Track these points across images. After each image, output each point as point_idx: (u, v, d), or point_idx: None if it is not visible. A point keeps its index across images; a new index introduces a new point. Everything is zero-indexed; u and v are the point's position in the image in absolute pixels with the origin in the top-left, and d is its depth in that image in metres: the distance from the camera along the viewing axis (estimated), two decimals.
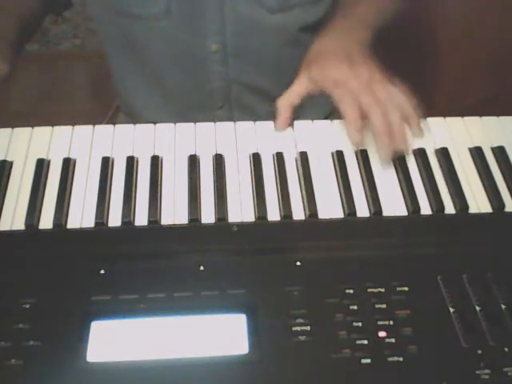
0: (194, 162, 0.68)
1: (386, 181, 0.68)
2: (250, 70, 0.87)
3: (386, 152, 0.68)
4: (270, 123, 0.73)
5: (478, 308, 0.56)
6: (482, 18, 1.10)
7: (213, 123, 0.73)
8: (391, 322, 0.55)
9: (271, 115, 0.75)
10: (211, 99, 0.89)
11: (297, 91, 0.73)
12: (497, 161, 0.71)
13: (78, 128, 0.72)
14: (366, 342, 0.54)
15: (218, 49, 0.83)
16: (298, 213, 0.64)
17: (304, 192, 0.66)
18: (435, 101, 1.18)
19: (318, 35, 0.79)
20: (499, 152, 0.71)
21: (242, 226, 0.63)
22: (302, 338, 0.54)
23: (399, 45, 1.06)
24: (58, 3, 0.93)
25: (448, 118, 0.75)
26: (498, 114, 0.75)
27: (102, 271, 0.58)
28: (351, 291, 0.57)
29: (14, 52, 0.76)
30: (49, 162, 0.68)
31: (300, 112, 0.94)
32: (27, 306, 0.55)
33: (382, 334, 0.54)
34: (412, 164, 0.70)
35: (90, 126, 0.72)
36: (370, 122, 0.68)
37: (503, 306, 0.56)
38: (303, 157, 0.69)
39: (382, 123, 0.67)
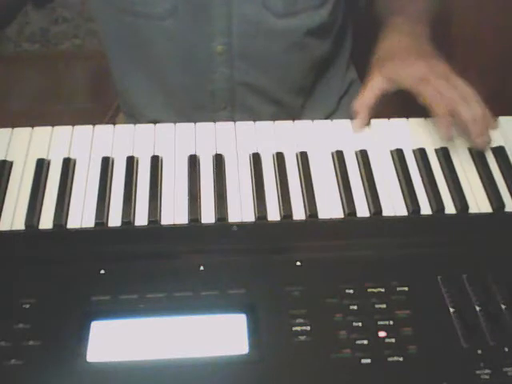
0: (193, 161, 0.68)
1: (386, 181, 0.68)
2: (254, 72, 0.87)
3: (483, 139, 0.69)
4: (270, 123, 0.73)
5: (478, 308, 0.56)
6: (483, 19, 1.10)
7: (213, 123, 0.73)
8: (391, 322, 0.55)
9: (274, 117, 0.75)
10: (214, 100, 0.89)
11: (373, 92, 0.74)
12: (497, 161, 0.71)
13: (78, 128, 0.72)
14: (366, 342, 0.54)
15: (223, 50, 0.83)
16: (298, 213, 0.64)
17: (304, 192, 0.66)
18: None
19: (381, 36, 0.80)
20: (499, 152, 0.71)
21: (242, 225, 0.63)
22: (302, 337, 0.54)
23: None
24: None
25: None
26: (498, 114, 0.75)
27: (102, 271, 0.58)
28: (351, 291, 0.57)
29: None
30: (49, 162, 0.68)
31: (300, 112, 0.94)
32: (27, 305, 0.55)
33: (381, 333, 0.54)
34: (412, 164, 0.70)
35: (90, 126, 0.72)
36: (460, 116, 0.68)
37: (503, 306, 0.56)
38: (303, 157, 0.69)
39: (472, 114, 0.68)
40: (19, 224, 0.62)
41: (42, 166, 0.67)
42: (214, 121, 0.73)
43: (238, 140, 0.71)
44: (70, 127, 0.72)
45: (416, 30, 0.80)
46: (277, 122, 0.73)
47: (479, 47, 1.12)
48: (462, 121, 0.69)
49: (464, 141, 0.72)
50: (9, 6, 0.86)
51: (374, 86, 0.74)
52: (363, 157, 0.69)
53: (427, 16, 0.83)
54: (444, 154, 0.70)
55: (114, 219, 0.63)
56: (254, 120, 0.73)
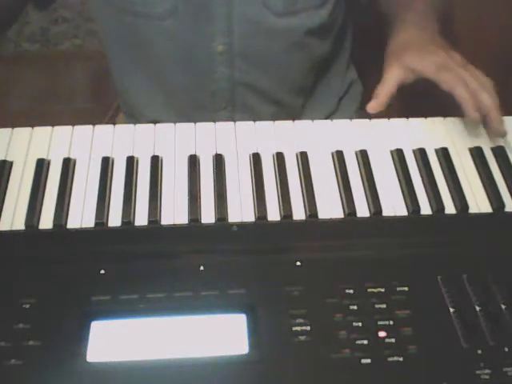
0: (193, 161, 0.68)
1: (386, 181, 0.68)
2: (254, 72, 0.87)
3: (501, 127, 0.71)
4: (270, 123, 0.73)
5: (478, 308, 0.56)
6: (484, 18, 1.10)
7: (213, 123, 0.73)
8: (391, 322, 0.55)
9: (274, 117, 0.75)
10: (214, 100, 0.89)
11: (393, 80, 0.74)
12: (497, 161, 0.71)
13: (78, 128, 0.72)
14: (366, 342, 0.54)
15: (223, 50, 0.83)
16: (298, 213, 0.64)
17: (304, 192, 0.66)
18: (436, 101, 1.18)
19: (394, 30, 0.81)
20: (499, 152, 0.71)
21: (242, 225, 0.63)
22: (302, 337, 0.54)
23: None
24: None
25: (448, 118, 0.75)
26: None
27: (102, 271, 0.58)
28: (351, 291, 0.57)
29: None
30: (49, 161, 0.68)
31: (300, 112, 0.94)
32: (27, 306, 0.55)
33: (381, 333, 0.54)
34: (412, 164, 0.70)
35: (90, 126, 0.72)
36: (481, 103, 0.70)
37: (503, 306, 0.56)
38: (303, 157, 0.69)
39: (493, 102, 0.70)
40: (19, 224, 0.62)
41: (42, 166, 0.67)
42: (214, 121, 0.73)
43: (238, 140, 0.71)
44: (70, 127, 0.72)
45: (427, 24, 0.81)
46: (277, 122, 0.73)
47: (480, 47, 1.12)
48: (483, 108, 0.70)
49: (464, 141, 0.72)
50: (10, 9, 0.86)
51: (395, 75, 0.74)
52: (363, 157, 0.69)
53: (434, 13, 0.84)
54: (444, 154, 0.70)
55: (114, 219, 0.63)
56: (254, 120, 0.73)
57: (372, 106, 0.73)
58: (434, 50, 0.75)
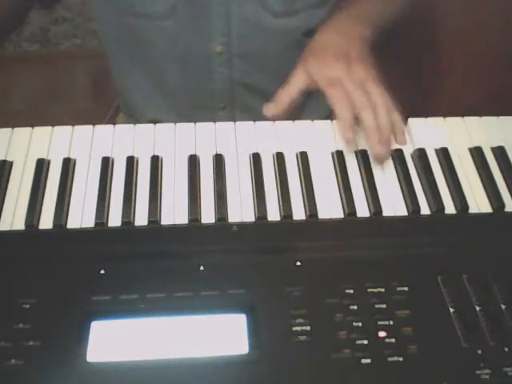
0: (193, 162, 0.68)
1: (386, 181, 0.68)
2: (253, 72, 0.87)
3: (378, 150, 0.68)
4: (270, 123, 0.73)
5: (478, 308, 0.56)
6: (484, 19, 1.10)
7: (213, 123, 0.73)
8: (391, 322, 0.55)
9: (273, 117, 0.75)
10: (213, 100, 0.89)
11: (295, 86, 0.73)
12: (497, 161, 0.70)
13: (78, 128, 0.72)
14: (366, 342, 0.54)
15: (222, 50, 0.83)
16: (298, 213, 0.64)
17: (304, 192, 0.66)
18: (436, 101, 1.18)
19: (320, 28, 0.79)
20: (499, 152, 0.71)
21: (242, 225, 0.63)
22: (302, 337, 0.54)
23: (400, 45, 1.06)
24: None
25: (448, 118, 0.75)
26: (498, 114, 0.75)
27: (102, 271, 0.58)
28: (351, 291, 0.57)
29: None
30: (49, 161, 0.68)
31: (300, 112, 0.94)
32: (27, 306, 0.55)
33: (381, 333, 0.54)
34: (412, 164, 0.70)
35: (90, 126, 0.72)
36: (362, 122, 0.68)
37: (503, 306, 0.56)
38: (303, 157, 0.69)
39: (374, 122, 0.68)
40: (19, 224, 0.62)
41: (42, 166, 0.67)
42: (214, 121, 0.73)
43: (238, 140, 0.71)
44: (70, 127, 0.72)
45: (354, 29, 0.78)
46: (277, 122, 0.73)
47: (479, 48, 1.12)
48: (363, 127, 0.69)
49: (464, 141, 0.72)
50: (18, 10, 0.86)
51: (298, 80, 0.73)
52: (363, 157, 0.69)
53: (373, 17, 0.82)
54: (444, 154, 0.70)
55: (114, 219, 0.63)
56: (254, 120, 0.73)
57: (267, 110, 0.72)
58: (333, 63, 0.72)
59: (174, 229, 0.63)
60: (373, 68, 0.72)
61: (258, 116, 0.73)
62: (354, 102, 0.69)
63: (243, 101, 0.90)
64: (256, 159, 0.69)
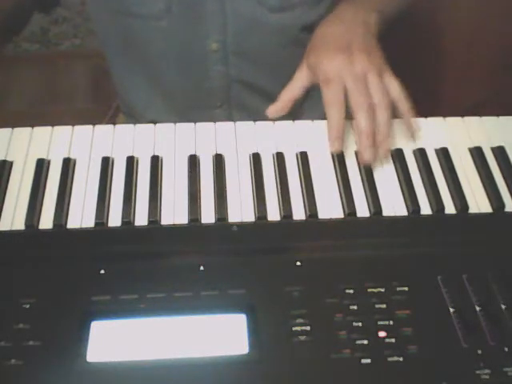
0: (194, 161, 0.68)
1: (386, 181, 0.68)
2: (249, 69, 0.86)
3: (366, 157, 0.66)
4: (270, 123, 0.73)
5: (478, 308, 0.56)
6: (484, 19, 1.10)
7: (213, 123, 0.73)
8: (391, 322, 0.55)
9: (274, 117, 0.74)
10: (210, 98, 0.89)
11: (299, 83, 0.72)
12: (497, 161, 0.70)
13: (78, 128, 0.72)
14: (366, 342, 0.54)
15: (218, 48, 0.83)
16: (298, 213, 0.64)
17: (304, 192, 0.66)
18: (436, 101, 1.18)
19: (322, 21, 0.77)
20: (499, 152, 0.71)
21: (242, 225, 0.63)
22: (302, 337, 0.54)
23: (400, 45, 1.06)
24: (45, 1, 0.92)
25: (448, 118, 0.75)
26: (498, 114, 0.75)
27: (102, 271, 0.58)
28: (351, 291, 0.57)
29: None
30: (49, 161, 0.68)
31: (300, 112, 0.94)
32: (27, 306, 0.55)
33: (381, 333, 0.54)
34: (412, 164, 0.70)
35: (90, 126, 0.72)
36: (356, 122, 0.67)
37: (503, 306, 0.56)
38: (303, 157, 0.69)
39: (367, 125, 0.66)
40: (19, 224, 0.62)
41: (42, 166, 0.67)
42: (212, 119, 0.73)
43: (238, 140, 0.71)
44: (70, 127, 0.72)
45: (356, 17, 0.74)
46: (277, 122, 0.73)
47: (479, 48, 1.12)
48: (356, 129, 0.67)
49: (464, 141, 0.72)
50: (24, 14, 0.86)
51: (301, 78, 0.72)
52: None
53: (377, 4, 0.79)
54: (444, 154, 0.70)
55: (114, 219, 0.63)
56: (251, 118, 0.73)
57: (271, 111, 0.70)
58: (334, 56, 0.68)
59: (174, 229, 0.63)
60: (378, 56, 0.70)
61: (255, 114, 0.73)
62: (350, 100, 0.66)
63: (240, 98, 0.90)
64: (256, 159, 0.69)
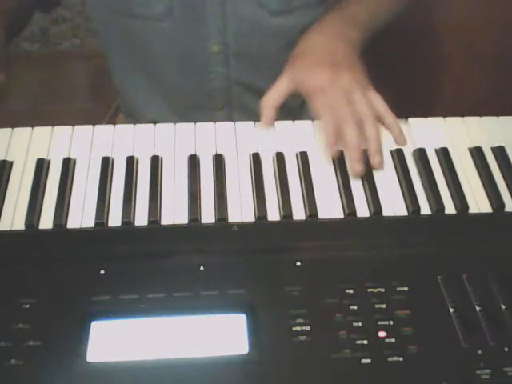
0: (194, 161, 0.68)
1: (386, 181, 0.68)
2: (250, 71, 0.87)
3: (356, 169, 0.67)
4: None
5: (478, 308, 0.56)
6: (484, 19, 1.10)
7: (213, 123, 0.73)
8: (391, 322, 0.55)
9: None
10: (211, 100, 0.89)
11: (279, 92, 0.73)
12: (497, 161, 0.71)
13: (78, 128, 0.72)
14: (366, 342, 0.54)
15: (219, 50, 0.83)
16: (298, 213, 0.64)
17: (304, 192, 0.66)
18: (436, 101, 1.18)
19: (306, 33, 0.78)
20: (499, 152, 0.71)
21: (242, 225, 0.63)
22: (302, 337, 0.54)
23: (400, 45, 1.06)
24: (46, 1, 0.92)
25: (448, 118, 0.75)
26: (498, 114, 0.75)
27: (102, 271, 0.58)
28: (351, 291, 0.57)
29: (6, 54, 0.76)
30: (49, 161, 0.68)
31: (300, 112, 0.94)
32: (27, 306, 0.55)
33: (381, 333, 0.54)
34: (412, 164, 0.70)
35: (90, 126, 0.72)
36: (344, 137, 0.67)
37: (503, 306, 0.56)
38: (303, 157, 0.69)
39: (355, 139, 0.67)
40: (19, 224, 0.62)
41: (42, 166, 0.67)
42: (213, 120, 0.73)
43: (238, 140, 0.71)
44: (69, 127, 0.72)
45: (342, 33, 0.76)
46: (277, 122, 0.73)
47: (479, 48, 1.12)
48: (345, 142, 0.68)
49: (464, 141, 0.72)
50: (26, 14, 0.87)
51: (281, 87, 0.73)
52: (363, 157, 0.69)
53: (362, 21, 0.80)
54: (444, 154, 0.70)
55: (114, 219, 0.63)
56: (253, 120, 0.73)
57: (263, 126, 0.72)
58: (320, 70, 0.70)
59: (174, 229, 0.63)
60: (361, 73, 0.71)
61: (255, 115, 0.73)
62: (337, 113, 0.68)
63: (241, 100, 0.90)
64: (256, 159, 0.69)
